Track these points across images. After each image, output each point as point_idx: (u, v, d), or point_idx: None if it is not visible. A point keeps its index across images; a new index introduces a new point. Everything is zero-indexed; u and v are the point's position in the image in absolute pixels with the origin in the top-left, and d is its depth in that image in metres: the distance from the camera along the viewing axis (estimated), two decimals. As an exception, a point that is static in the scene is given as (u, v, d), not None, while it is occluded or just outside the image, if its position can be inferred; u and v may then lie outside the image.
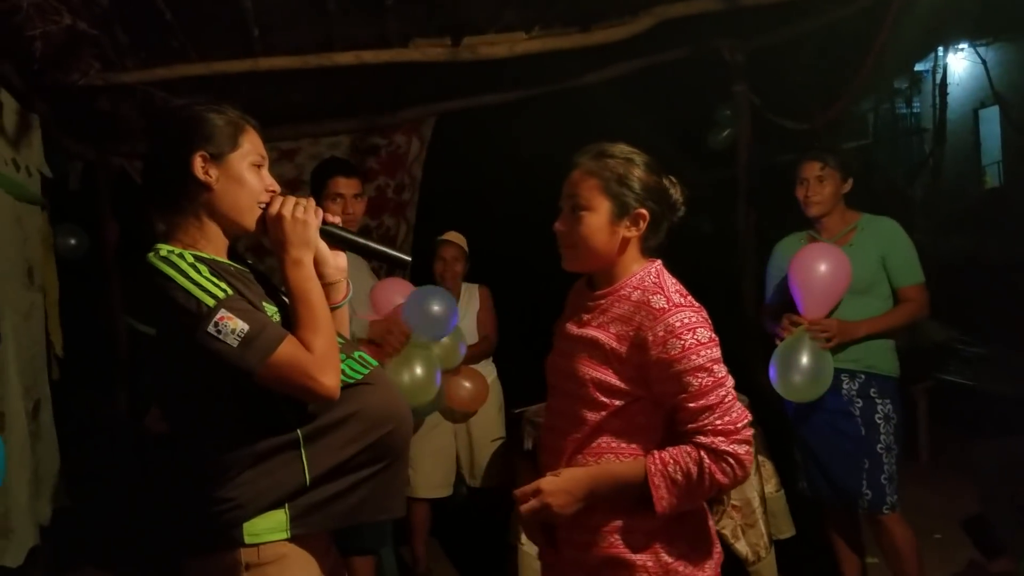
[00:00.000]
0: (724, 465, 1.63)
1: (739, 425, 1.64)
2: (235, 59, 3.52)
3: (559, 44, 3.68)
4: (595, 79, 4.52)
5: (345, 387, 1.58)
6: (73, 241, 4.07)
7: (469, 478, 3.88)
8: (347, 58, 3.63)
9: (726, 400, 1.65)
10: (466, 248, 3.99)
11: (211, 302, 1.45)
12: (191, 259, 1.52)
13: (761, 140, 4.63)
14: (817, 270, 2.92)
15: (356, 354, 1.69)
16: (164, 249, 1.55)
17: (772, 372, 2.94)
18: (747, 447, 1.65)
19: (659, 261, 1.80)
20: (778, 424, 3.20)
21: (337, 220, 1.74)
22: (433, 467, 3.68)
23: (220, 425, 1.54)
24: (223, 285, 1.49)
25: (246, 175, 1.62)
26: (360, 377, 1.63)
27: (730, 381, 1.67)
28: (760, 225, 4.53)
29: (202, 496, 1.55)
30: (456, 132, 5.29)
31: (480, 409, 3.74)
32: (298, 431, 1.55)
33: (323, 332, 1.54)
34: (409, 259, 1.80)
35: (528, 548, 3.08)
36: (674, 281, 1.76)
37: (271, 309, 1.59)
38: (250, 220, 1.63)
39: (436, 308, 2.93)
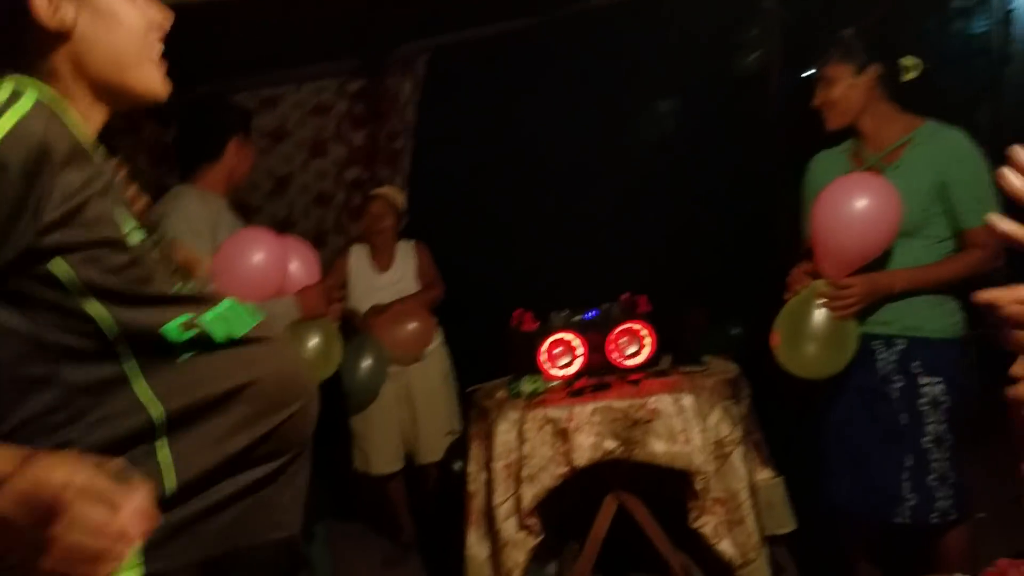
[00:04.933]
0: None
1: None
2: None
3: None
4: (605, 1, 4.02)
5: (227, 346, 1.11)
6: None
7: (416, 454, 3.67)
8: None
9: None
10: (398, 204, 3.77)
11: None
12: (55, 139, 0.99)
13: (795, 63, 4.00)
14: (846, 215, 2.18)
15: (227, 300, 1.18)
16: (32, 90, 1.02)
17: (774, 340, 2.30)
18: None
19: None
20: (777, 400, 2.66)
21: None
22: (384, 441, 3.54)
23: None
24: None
25: (118, 6, 1.12)
26: (247, 332, 1.15)
27: None
28: (797, 158, 3.91)
29: None
30: (454, 69, 4.79)
31: (424, 379, 3.52)
32: (151, 415, 1.04)
33: None
34: None
35: (475, 551, 2.64)
36: None
37: (129, 225, 1.09)
38: (140, 78, 1.14)
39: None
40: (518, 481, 2.52)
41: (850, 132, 2.42)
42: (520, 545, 2.53)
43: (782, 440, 2.83)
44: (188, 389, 1.07)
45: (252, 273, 2.24)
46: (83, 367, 1.03)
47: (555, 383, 2.68)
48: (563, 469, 2.48)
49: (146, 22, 1.13)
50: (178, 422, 1.06)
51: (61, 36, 1.07)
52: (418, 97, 4.83)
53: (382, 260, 3.68)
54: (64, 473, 0.79)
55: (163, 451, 1.05)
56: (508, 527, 2.54)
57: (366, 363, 3.18)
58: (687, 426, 2.42)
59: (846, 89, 2.30)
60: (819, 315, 2.27)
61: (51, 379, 1.01)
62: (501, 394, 2.74)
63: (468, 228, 4.75)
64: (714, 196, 4.42)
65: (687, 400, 2.44)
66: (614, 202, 4.55)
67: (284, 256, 2.36)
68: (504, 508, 2.55)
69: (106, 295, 1.03)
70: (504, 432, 2.55)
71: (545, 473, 2.48)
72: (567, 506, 2.77)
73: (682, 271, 4.08)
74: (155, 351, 1.06)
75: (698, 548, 2.72)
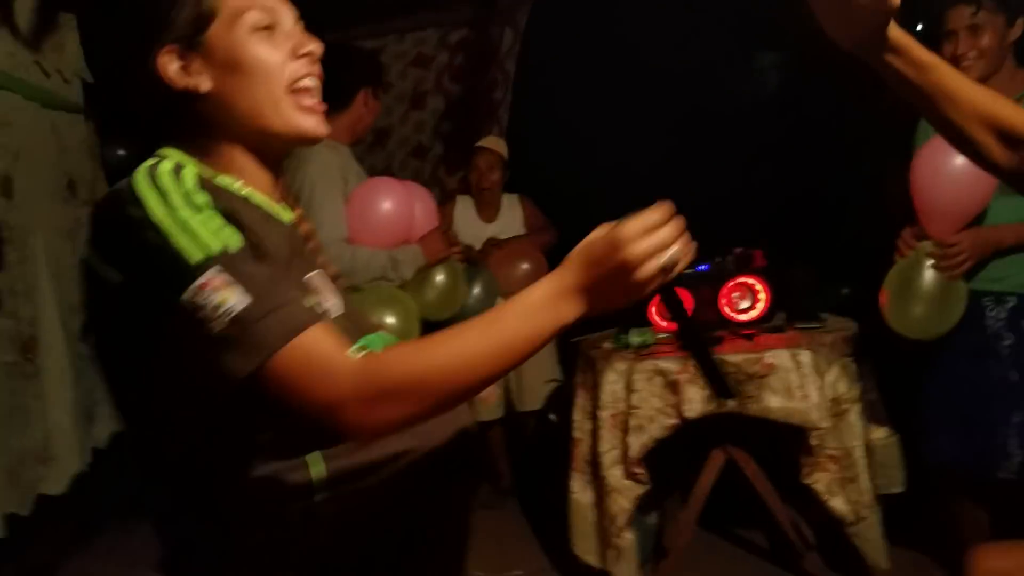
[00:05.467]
0: None
1: None
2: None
3: None
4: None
5: None
6: (121, 152, 3.87)
7: (516, 402, 3.68)
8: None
9: None
10: (505, 155, 3.74)
11: (198, 256, 0.92)
12: (194, 180, 0.97)
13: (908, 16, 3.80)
14: (945, 174, 2.17)
15: (380, 336, 1.15)
16: (168, 162, 1.00)
17: (883, 300, 2.33)
18: None
19: None
20: (896, 358, 2.58)
21: None
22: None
23: (190, 443, 1.04)
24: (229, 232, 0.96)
25: (250, 50, 1.05)
26: None
27: None
28: (908, 114, 3.75)
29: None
30: (556, 19, 4.72)
31: None
32: (311, 473, 1.03)
33: None
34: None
35: (579, 496, 2.66)
36: None
37: (308, 301, 1.03)
38: (280, 119, 1.06)
39: None
40: (625, 431, 2.52)
41: None
42: (626, 493, 2.54)
43: (891, 397, 2.76)
44: (349, 452, 1.05)
45: (383, 220, 2.30)
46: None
47: (664, 335, 2.66)
48: (673, 421, 2.47)
49: (284, 59, 1.07)
50: (335, 483, 1.04)
51: (200, 98, 1.05)
52: (518, 48, 4.79)
53: (487, 212, 3.68)
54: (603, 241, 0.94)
55: (320, 509, 1.04)
56: (614, 475, 2.55)
57: (476, 291, 3.21)
58: (804, 382, 2.37)
59: (997, 40, 2.24)
60: (927, 276, 2.28)
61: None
62: (607, 345, 2.73)
63: (565, 182, 4.72)
64: (824, 151, 4.27)
65: (805, 356, 2.40)
66: (722, 155, 4.44)
67: (411, 203, 2.40)
68: (610, 456, 2.56)
69: None
70: (612, 382, 2.54)
71: (654, 424, 2.48)
72: (669, 457, 2.76)
73: (791, 227, 3.97)
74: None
75: (804, 504, 2.69)
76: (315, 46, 1.09)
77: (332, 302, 1.10)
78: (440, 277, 2.50)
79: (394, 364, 0.93)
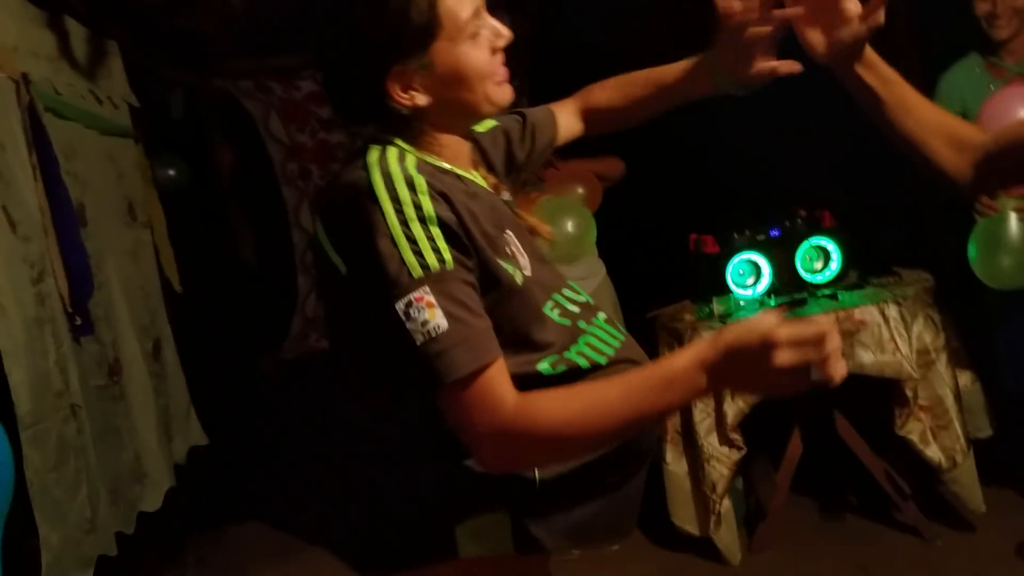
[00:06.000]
0: None
1: None
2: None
3: None
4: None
5: (588, 370, 1.15)
6: (171, 172, 3.90)
7: None
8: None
9: None
10: None
11: (418, 272, 1.00)
12: (424, 187, 1.04)
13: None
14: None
15: (600, 318, 1.23)
16: (393, 154, 1.08)
17: (972, 253, 2.42)
18: None
19: None
20: (973, 307, 2.65)
21: None
22: None
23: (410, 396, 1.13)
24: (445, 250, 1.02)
25: (462, 60, 1.09)
26: (612, 354, 1.17)
27: None
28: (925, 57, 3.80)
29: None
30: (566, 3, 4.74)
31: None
32: None
33: None
34: None
35: (674, 467, 2.72)
36: None
37: (509, 268, 1.11)
38: (488, 106, 1.14)
39: None
40: (718, 398, 2.58)
41: (980, 45, 2.55)
42: (724, 460, 2.60)
43: (969, 345, 2.83)
44: None
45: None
46: None
47: (746, 303, 2.71)
48: (766, 384, 2.52)
49: (488, 57, 1.12)
50: None
51: (419, 108, 1.11)
52: (532, 35, 4.81)
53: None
54: (760, 329, 0.95)
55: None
56: (711, 443, 2.61)
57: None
58: (894, 335, 2.44)
59: None
60: (1014, 228, 2.35)
61: None
62: (689, 317, 2.78)
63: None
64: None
65: (891, 309, 2.46)
66: (752, 121, 4.43)
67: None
68: (704, 425, 2.62)
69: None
70: (700, 352, 2.59)
71: (748, 389, 2.53)
72: (750, 420, 2.80)
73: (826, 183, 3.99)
74: (527, 381, 1.10)
75: (893, 457, 2.76)
76: (507, 38, 1.14)
77: (524, 261, 1.16)
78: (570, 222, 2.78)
79: (540, 416, 1.02)
